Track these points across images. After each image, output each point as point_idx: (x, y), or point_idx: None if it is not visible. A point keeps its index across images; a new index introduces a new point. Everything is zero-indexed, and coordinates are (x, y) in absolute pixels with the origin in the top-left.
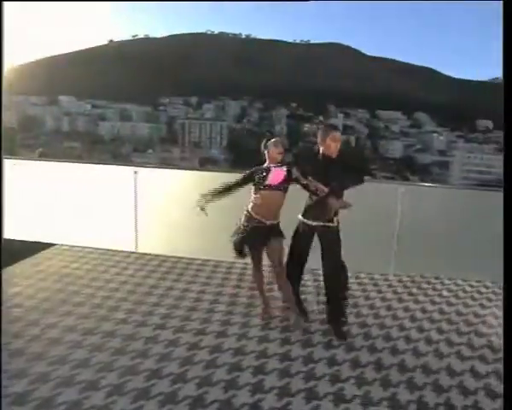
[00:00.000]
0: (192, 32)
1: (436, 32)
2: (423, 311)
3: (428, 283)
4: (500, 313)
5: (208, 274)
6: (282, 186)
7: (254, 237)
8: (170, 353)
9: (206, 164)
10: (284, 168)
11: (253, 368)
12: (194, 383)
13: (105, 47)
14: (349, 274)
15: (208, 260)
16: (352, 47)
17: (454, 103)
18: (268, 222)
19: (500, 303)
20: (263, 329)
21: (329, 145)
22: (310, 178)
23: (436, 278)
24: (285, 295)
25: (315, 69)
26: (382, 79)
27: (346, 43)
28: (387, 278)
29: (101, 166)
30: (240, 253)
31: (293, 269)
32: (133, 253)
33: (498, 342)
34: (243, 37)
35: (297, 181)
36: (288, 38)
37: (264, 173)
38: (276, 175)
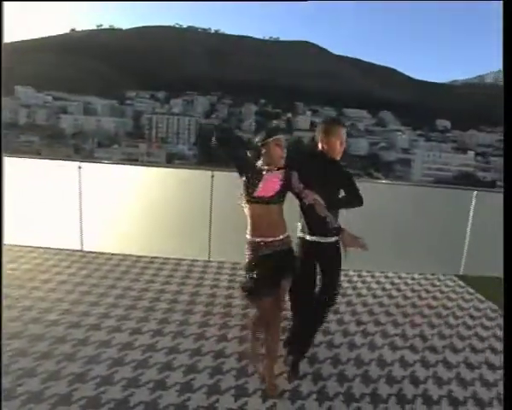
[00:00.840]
0: (160, 25)
1: (399, 34)
2: (364, 304)
3: (373, 276)
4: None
5: (154, 272)
6: (277, 198)
7: (269, 275)
8: (100, 354)
9: (173, 160)
10: (280, 173)
11: (185, 367)
12: (121, 385)
13: (67, 36)
14: None
15: (156, 258)
16: (320, 45)
17: (415, 103)
18: (274, 240)
19: (437, 294)
20: (200, 326)
21: (334, 144)
22: (316, 196)
23: (381, 272)
24: (271, 348)
25: (283, 66)
26: (348, 78)
27: (313, 41)
28: None
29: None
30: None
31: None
32: (78, 251)
33: (429, 332)
34: (212, 32)
35: (295, 193)
36: (258, 34)
37: (255, 179)
38: (270, 184)
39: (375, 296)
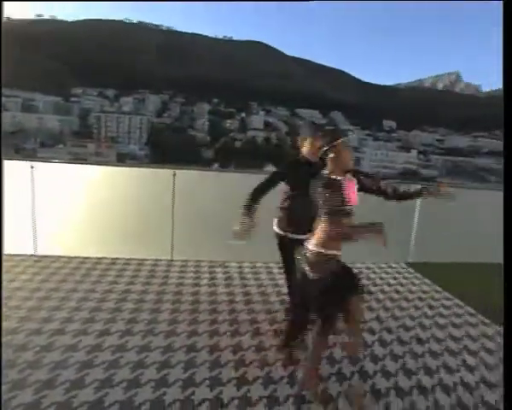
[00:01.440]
0: (108, 18)
1: (347, 37)
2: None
3: None
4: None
5: (117, 273)
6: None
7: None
8: (67, 359)
9: (124, 160)
10: (353, 178)
11: (158, 364)
12: (93, 387)
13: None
14: None
15: (117, 259)
16: (273, 46)
17: (363, 104)
18: (339, 254)
19: (390, 280)
20: (170, 323)
21: (312, 148)
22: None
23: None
24: (316, 355)
25: (237, 66)
26: (300, 79)
27: (266, 41)
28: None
29: None
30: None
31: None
32: (32, 256)
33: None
34: (164, 28)
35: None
36: (210, 32)
37: (333, 190)
38: (351, 192)
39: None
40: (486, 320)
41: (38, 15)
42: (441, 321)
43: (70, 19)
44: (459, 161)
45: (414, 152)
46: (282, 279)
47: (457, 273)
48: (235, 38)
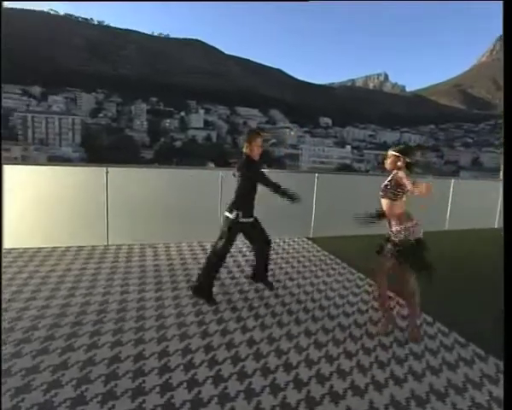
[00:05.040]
0: (29, 9)
1: (282, 37)
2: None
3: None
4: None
5: (72, 258)
6: (383, 193)
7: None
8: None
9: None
10: (393, 175)
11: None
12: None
13: None
14: None
15: (56, 247)
16: (210, 44)
17: (301, 102)
18: (390, 230)
19: (295, 251)
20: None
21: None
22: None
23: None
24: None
25: (174, 64)
26: (239, 78)
27: (203, 39)
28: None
29: None
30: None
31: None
32: None
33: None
34: (95, 23)
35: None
36: (146, 29)
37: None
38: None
39: (244, 256)
40: (362, 276)
41: None
42: (328, 280)
43: None
44: None
45: (348, 147)
46: None
47: (344, 243)
48: (171, 36)
